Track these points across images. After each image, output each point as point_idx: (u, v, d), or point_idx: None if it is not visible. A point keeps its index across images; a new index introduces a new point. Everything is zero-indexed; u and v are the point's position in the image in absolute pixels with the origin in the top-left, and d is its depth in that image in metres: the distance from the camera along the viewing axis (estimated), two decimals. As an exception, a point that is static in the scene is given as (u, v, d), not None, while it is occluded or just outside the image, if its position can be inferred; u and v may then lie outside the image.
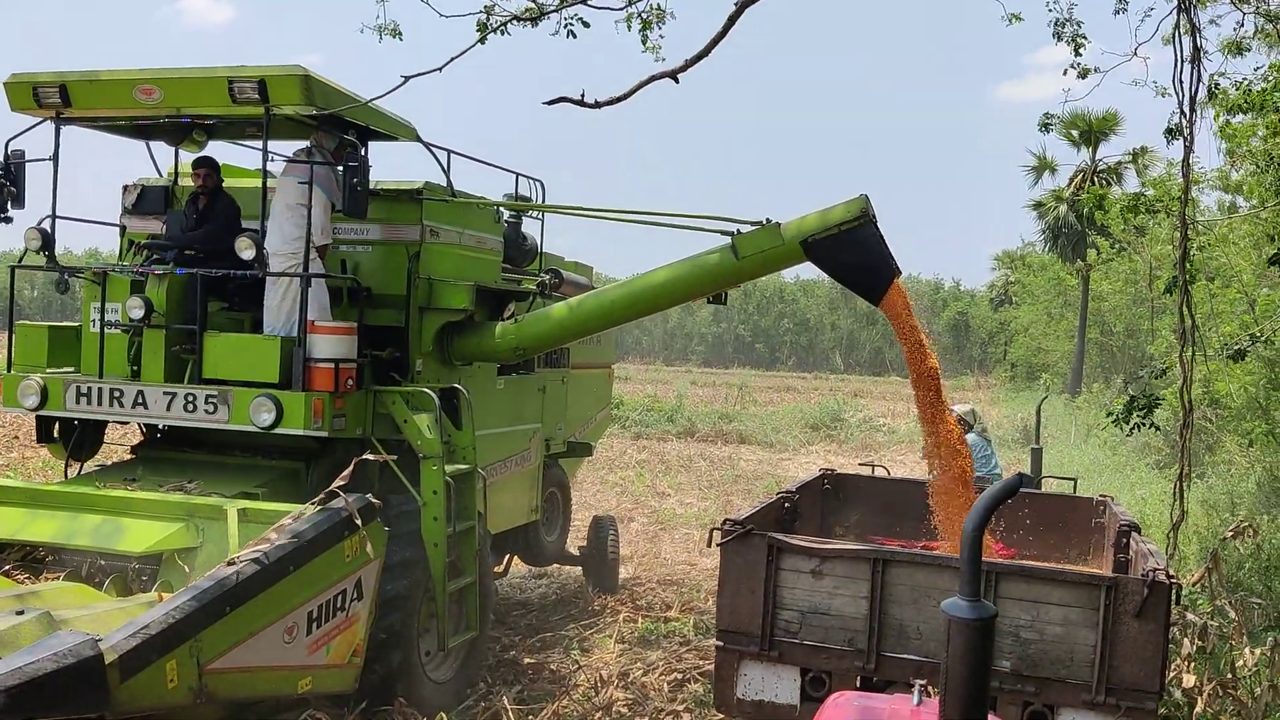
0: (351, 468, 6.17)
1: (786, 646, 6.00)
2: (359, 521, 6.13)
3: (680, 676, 8.69)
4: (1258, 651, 7.59)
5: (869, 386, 51.83)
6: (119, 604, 5.88)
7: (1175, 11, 5.43)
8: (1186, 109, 5.18)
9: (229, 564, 5.57)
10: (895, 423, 32.66)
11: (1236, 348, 8.43)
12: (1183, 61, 5.09)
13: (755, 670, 6.05)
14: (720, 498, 18.12)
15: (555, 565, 11.75)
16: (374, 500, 6.30)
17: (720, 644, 6.13)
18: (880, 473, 9.68)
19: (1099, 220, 18.59)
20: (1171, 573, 5.70)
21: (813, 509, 8.61)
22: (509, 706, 7.68)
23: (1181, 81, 5.18)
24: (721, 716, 6.97)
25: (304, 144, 7.88)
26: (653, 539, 14.76)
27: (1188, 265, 10.55)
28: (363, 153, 7.49)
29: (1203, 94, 6.71)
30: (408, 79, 5.66)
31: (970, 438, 10.67)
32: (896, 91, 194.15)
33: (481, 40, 5.88)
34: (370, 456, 6.27)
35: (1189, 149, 5.41)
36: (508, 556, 10.49)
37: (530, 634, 9.90)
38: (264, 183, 7.42)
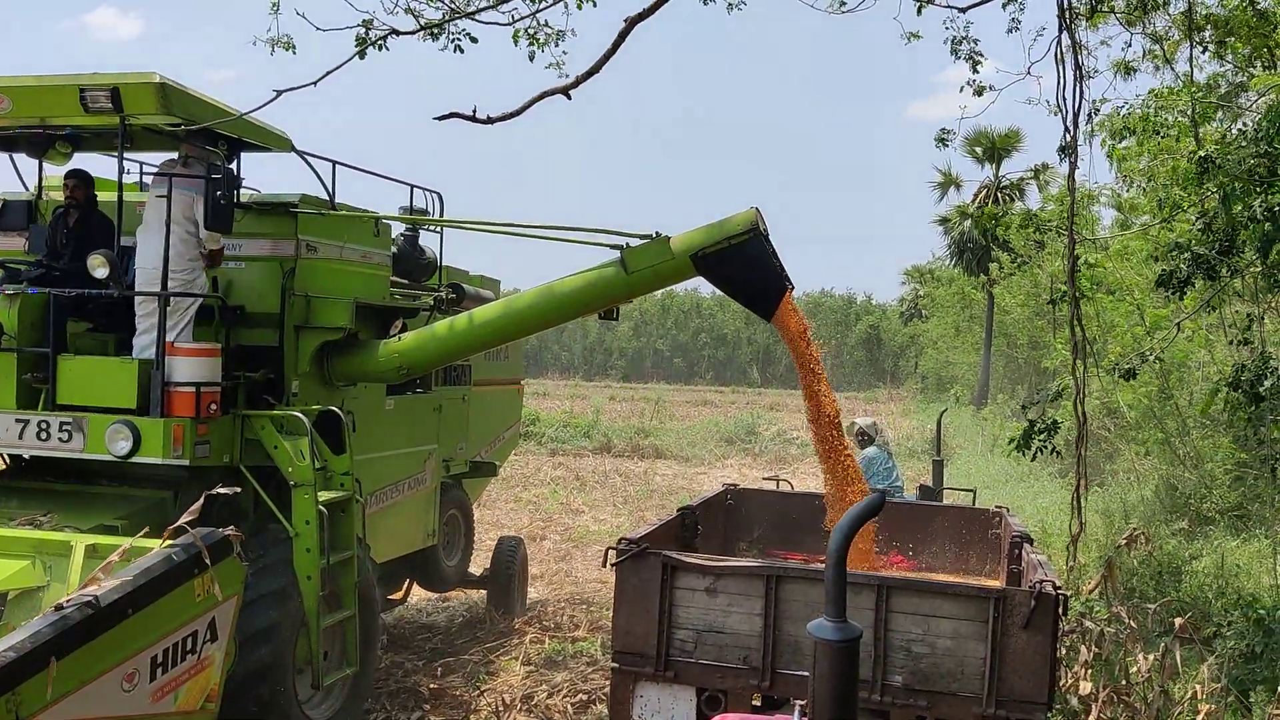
0: (201, 502, 5.73)
1: (682, 666, 5.93)
2: (208, 560, 5.71)
3: (586, 698, 8.61)
4: (1150, 657, 7.75)
5: (785, 399, 52.17)
6: None
7: (1059, 30, 5.55)
8: (1071, 125, 5.29)
9: (57, 609, 5.16)
10: (809, 435, 32.92)
11: (1128, 366, 8.64)
12: (1064, 80, 5.21)
13: (651, 691, 5.98)
14: (634, 513, 18.08)
15: (458, 590, 11.53)
16: (230, 535, 5.92)
17: (616, 665, 6.05)
18: (784, 487, 9.71)
19: (1000, 236, 19.00)
20: (1059, 583, 5.76)
21: (715, 525, 8.59)
22: (407, 734, 7.54)
23: (1065, 99, 5.29)
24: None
25: (173, 156, 7.57)
26: (564, 557, 14.66)
27: (1080, 279, 10.87)
28: (231, 165, 7.21)
29: (1086, 112, 6.87)
30: (280, 93, 5.54)
31: (871, 451, 10.80)
32: (807, 109, 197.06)
33: (360, 54, 5.76)
34: (222, 490, 5.81)
35: (1074, 165, 5.54)
36: (406, 583, 10.23)
37: (434, 658, 9.73)
38: (119, 197, 7.03)
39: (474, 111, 6.53)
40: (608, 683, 8.79)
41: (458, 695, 8.71)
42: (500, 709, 8.21)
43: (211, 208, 6.81)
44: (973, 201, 39.29)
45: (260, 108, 6.14)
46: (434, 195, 9.66)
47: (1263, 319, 9.81)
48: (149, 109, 6.61)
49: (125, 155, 6.99)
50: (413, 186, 9.43)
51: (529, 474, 23.12)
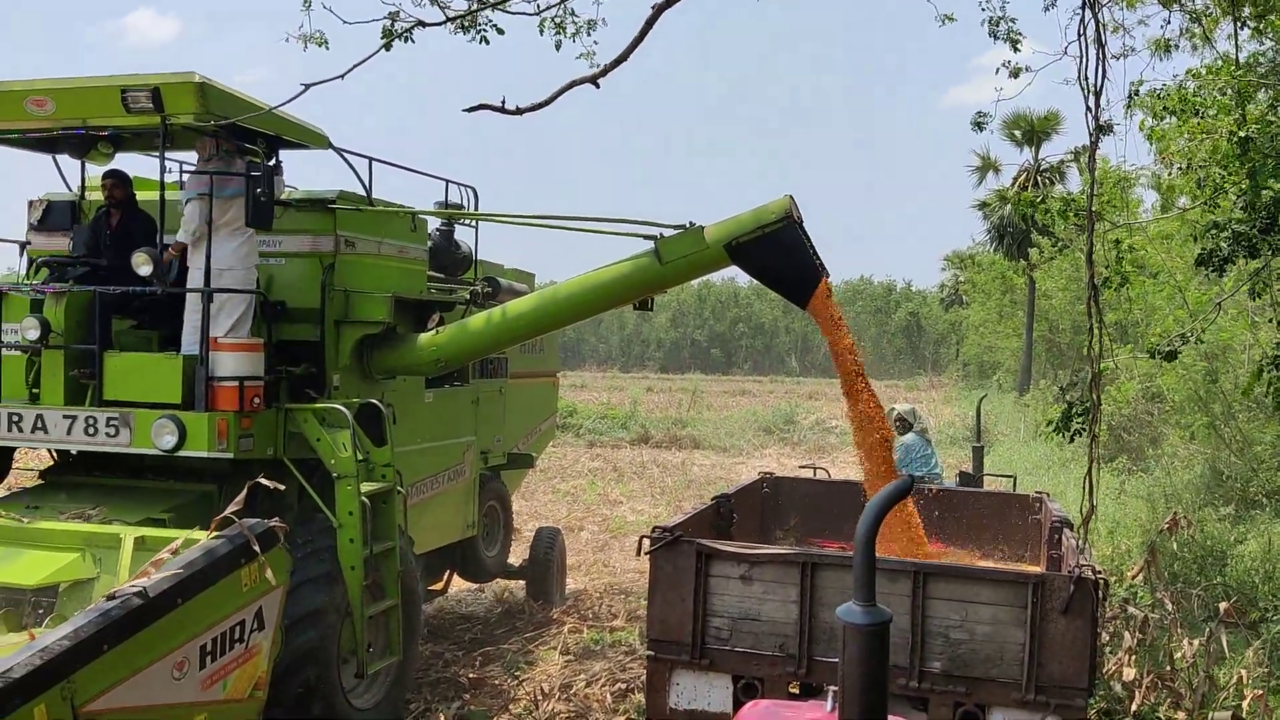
0: (245, 492, 5.84)
1: (718, 654, 5.93)
2: (257, 548, 5.79)
3: (624, 687, 8.61)
4: (1195, 643, 7.65)
5: (824, 388, 51.99)
6: None
7: (1082, 7, 5.47)
8: (1092, 104, 5.21)
9: (109, 598, 5.26)
10: (848, 424, 32.76)
11: (1168, 348, 8.50)
12: (1087, 59, 5.14)
13: (687, 679, 5.99)
14: (672, 504, 18.07)
15: (498, 580, 11.60)
16: (275, 526, 6.01)
17: (651, 653, 6.07)
18: (821, 475, 9.68)
19: (1039, 220, 18.76)
20: (1099, 568, 5.70)
21: (751, 513, 8.58)
22: (447, 724, 7.59)
23: (1087, 78, 5.22)
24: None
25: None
26: (602, 548, 14.68)
27: (1122, 264, 10.72)
28: (271, 163, 7.29)
29: (1107, 94, 6.76)
30: (308, 87, 5.57)
31: (909, 437, 10.72)
32: (848, 96, 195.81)
33: (386, 47, 5.78)
34: (265, 482, 5.91)
35: (1094, 144, 5.45)
36: (447, 573, 10.30)
37: (473, 648, 9.78)
38: (161, 196, 7.12)
39: (503, 102, 6.52)
40: (645, 671, 8.86)
41: (496, 685, 8.75)
42: (539, 698, 8.24)
43: (252, 205, 6.87)
44: (1012, 185, 38.89)
45: (289, 101, 6.19)
46: (469, 190, 9.68)
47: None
48: (189, 108, 6.66)
49: (166, 155, 7.05)
50: (448, 182, 9.45)
51: (566, 465, 23.19)
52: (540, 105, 6.67)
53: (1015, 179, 39.46)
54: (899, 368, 70.13)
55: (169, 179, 7.36)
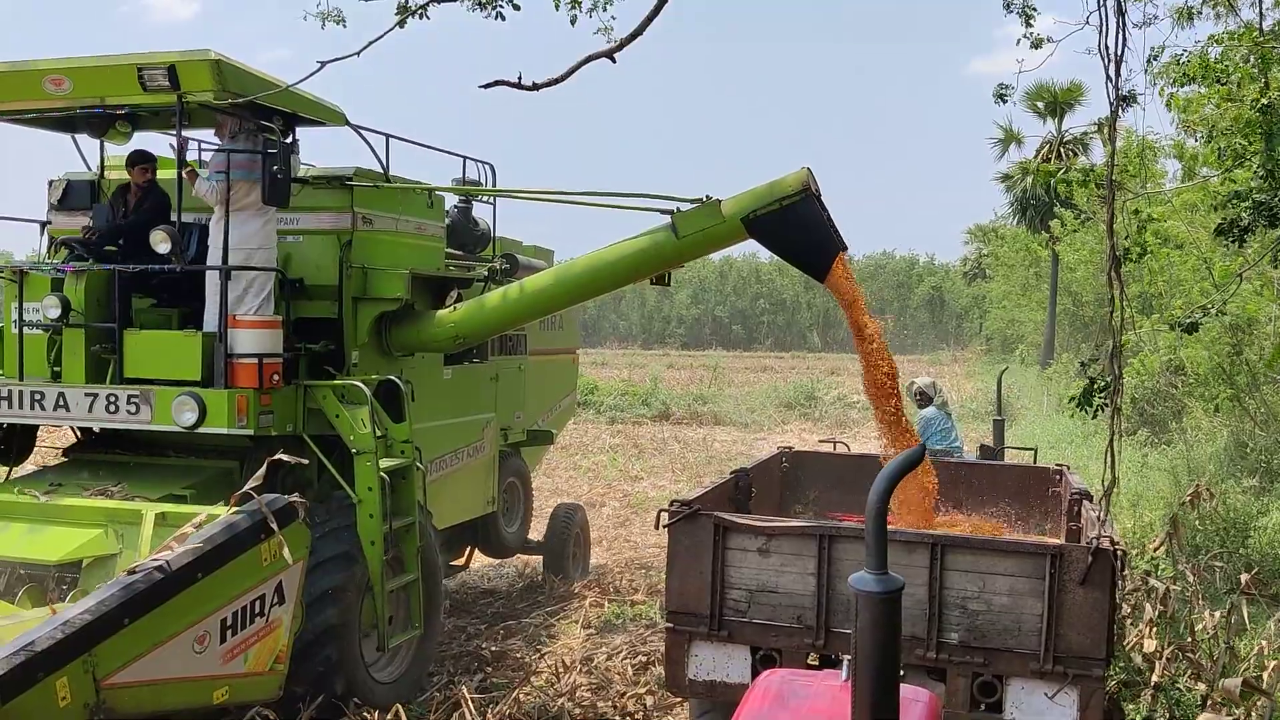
0: (264, 469, 5.88)
1: (736, 626, 5.97)
2: (274, 525, 5.85)
3: (645, 659, 8.66)
4: (1217, 614, 7.63)
5: (845, 364, 51.88)
6: (12, 619, 5.62)
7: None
8: (1113, 73, 5.17)
9: (130, 573, 5.31)
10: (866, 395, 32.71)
11: (1189, 320, 8.43)
12: (1107, 27, 5.09)
13: (706, 650, 6.03)
14: (693, 479, 18.11)
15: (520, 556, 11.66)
16: (295, 501, 6.04)
17: (670, 625, 6.11)
18: (840, 449, 9.68)
19: (1061, 193, 18.61)
20: (1117, 540, 5.69)
21: (770, 487, 8.60)
22: (470, 696, 7.64)
23: (1108, 47, 5.17)
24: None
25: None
26: (623, 523, 14.76)
27: (1144, 234, 10.63)
28: (289, 140, 7.30)
29: (1130, 61, 6.69)
30: (324, 64, 5.58)
31: (929, 411, 10.71)
32: (870, 68, 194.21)
33: (400, 24, 5.79)
34: (285, 457, 5.97)
35: (1115, 114, 5.41)
36: (468, 549, 10.35)
37: (495, 622, 9.87)
38: (179, 174, 7.15)
39: (519, 78, 6.51)
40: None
41: (519, 658, 8.83)
42: (560, 671, 8.30)
43: (268, 182, 6.91)
44: (1035, 158, 38.53)
45: (306, 79, 6.18)
46: (486, 167, 9.63)
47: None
48: (205, 86, 6.66)
49: (182, 133, 7.07)
50: (465, 158, 9.43)
51: (588, 442, 23.27)
52: (556, 81, 6.65)
53: (1038, 151, 39.11)
54: (922, 342, 69.90)
55: (190, 158, 7.40)
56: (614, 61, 6.81)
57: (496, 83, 6.57)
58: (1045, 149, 38.79)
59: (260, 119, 7.21)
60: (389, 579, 7.21)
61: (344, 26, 7.75)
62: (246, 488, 5.82)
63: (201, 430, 6.83)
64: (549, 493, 16.88)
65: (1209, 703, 6.44)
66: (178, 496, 6.91)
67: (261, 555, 5.85)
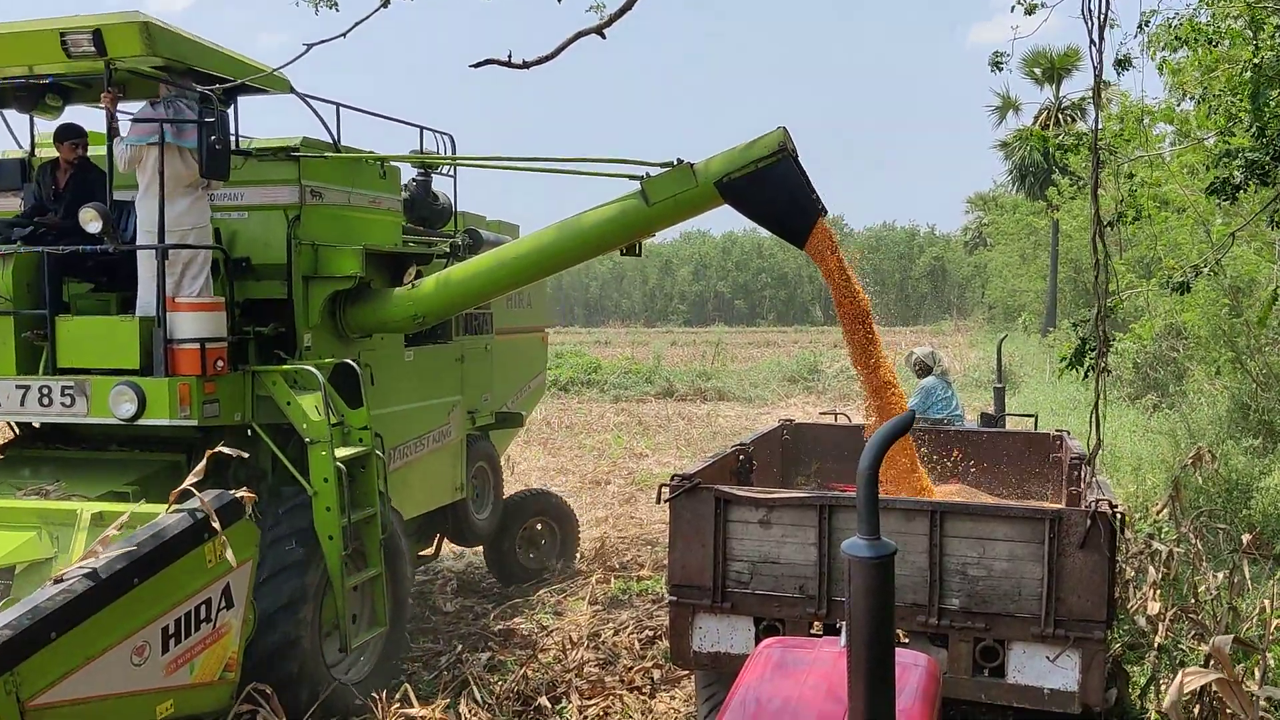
0: (204, 463, 5.41)
1: (739, 597, 6.01)
2: (218, 524, 5.38)
3: (651, 634, 8.73)
4: (1220, 575, 7.67)
5: (848, 337, 51.90)
6: None
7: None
8: (1097, 37, 5.15)
9: (55, 581, 4.87)
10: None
11: (1180, 279, 8.42)
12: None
13: (709, 623, 6.07)
14: (698, 455, 18.14)
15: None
16: (241, 496, 5.57)
17: (674, 599, 6.14)
18: (842, 420, 9.71)
19: (1058, 160, 18.54)
20: (1116, 502, 5.72)
21: (771, 460, 8.63)
22: (477, 673, 7.72)
23: (1090, 10, 5.16)
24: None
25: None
26: (628, 500, 14.82)
27: (1140, 197, 10.60)
28: (228, 110, 6.84)
29: (1126, 25, 6.64)
30: (310, 47, 5.55)
31: (929, 380, 10.73)
32: (868, 36, 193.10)
33: (384, 3, 5.77)
34: (225, 449, 5.50)
35: (1099, 77, 5.39)
36: (437, 538, 9.89)
37: (502, 601, 9.93)
38: (109, 148, 6.62)
39: (509, 56, 6.48)
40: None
41: (526, 635, 8.90)
42: (567, 647, 8.37)
43: (205, 154, 6.44)
44: (1033, 125, 38.43)
45: (291, 62, 6.06)
46: (445, 138, 9.04)
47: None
48: (134, 51, 6.22)
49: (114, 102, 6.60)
50: (422, 129, 8.90)
51: (592, 420, 23.32)
52: (547, 58, 6.60)
53: (1036, 117, 39.02)
54: (925, 313, 69.83)
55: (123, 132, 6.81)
56: (604, 37, 6.78)
57: (487, 61, 6.54)
58: (1043, 115, 38.68)
59: (196, 85, 6.69)
60: (350, 575, 6.83)
61: (337, 10, 7.70)
62: (186, 483, 5.35)
63: (142, 422, 6.42)
64: (555, 471, 16.96)
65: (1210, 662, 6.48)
66: (120, 494, 6.49)
67: (205, 556, 5.41)
